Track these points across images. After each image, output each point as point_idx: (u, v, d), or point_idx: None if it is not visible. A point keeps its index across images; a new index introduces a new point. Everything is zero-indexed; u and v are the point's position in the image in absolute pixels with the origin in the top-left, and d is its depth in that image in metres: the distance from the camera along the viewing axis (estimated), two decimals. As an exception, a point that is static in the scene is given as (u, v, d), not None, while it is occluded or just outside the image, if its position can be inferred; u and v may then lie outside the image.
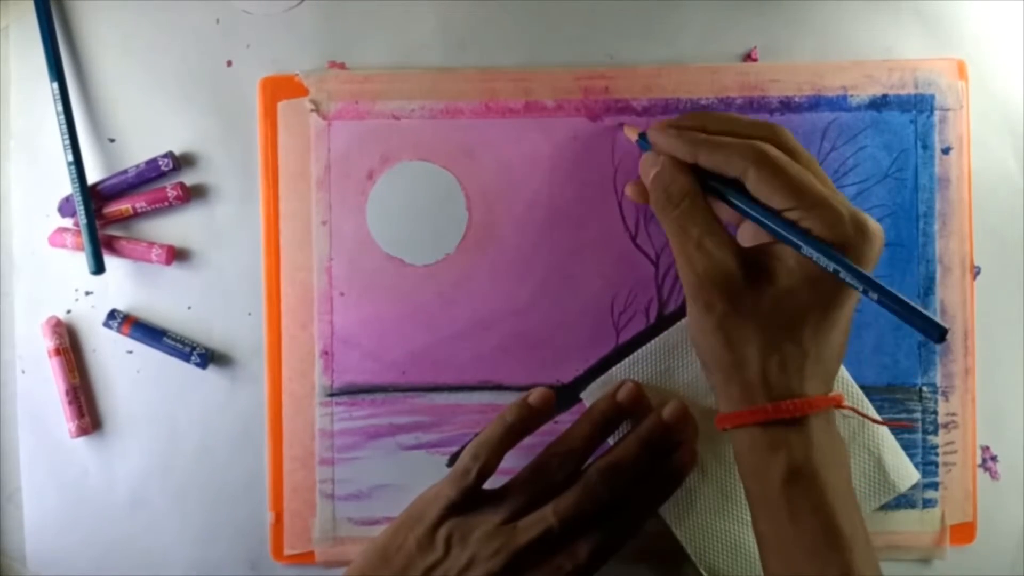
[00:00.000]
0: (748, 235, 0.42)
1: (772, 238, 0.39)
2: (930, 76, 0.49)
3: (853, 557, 0.37)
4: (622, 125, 0.48)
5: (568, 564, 0.42)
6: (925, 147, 0.49)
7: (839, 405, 0.39)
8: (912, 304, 0.37)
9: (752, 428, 0.39)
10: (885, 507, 0.48)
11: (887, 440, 0.47)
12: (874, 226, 0.38)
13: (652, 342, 0.47)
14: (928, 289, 0.49)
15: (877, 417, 0.46)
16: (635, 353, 0.47)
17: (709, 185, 0.41)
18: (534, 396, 0.45)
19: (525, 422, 0.44)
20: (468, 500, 0.43)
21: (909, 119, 0.49)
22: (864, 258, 0.38)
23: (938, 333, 0.36)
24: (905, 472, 0.47)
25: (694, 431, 0.45)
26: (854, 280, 0.37)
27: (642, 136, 0.44)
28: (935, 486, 0.49)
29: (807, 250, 0.37)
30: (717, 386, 0.40)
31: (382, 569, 0.43)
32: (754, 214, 0.39)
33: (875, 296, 0.37)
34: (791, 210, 0.38)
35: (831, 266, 0.37)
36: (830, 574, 0.37)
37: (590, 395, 0.47)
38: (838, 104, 0.49)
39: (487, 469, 0.43)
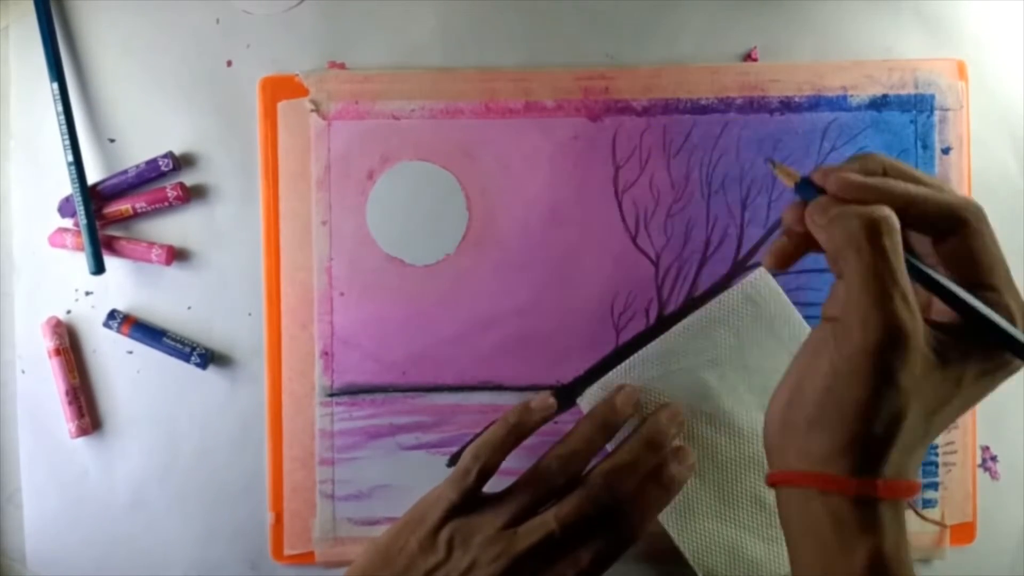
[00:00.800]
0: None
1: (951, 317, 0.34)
2: (930, 76, 0.49)
3: None
4: (769, 161, 0.40)
5: (570, 571, 0.42)
6: (925, 147, 0.49)
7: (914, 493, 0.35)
8: None
9: (838, 499, 0.33)
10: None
11: None
12: None
13: (650, 346, 0.47)
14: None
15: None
16: (632, 357, 0.47)
17: None
18: (537, 401, 0.45)
19: (526, 425, 0.44)
20: (469, 502, 0.43)
21: (909, 119, 0.49)
22: None
23: None
24: None
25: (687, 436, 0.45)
26: None
27: (804, 181, 0.36)
28: (935, 486, 0.49)
29: (1008, 332, 0.33)
30: (818, 441, 0.34)
31: (384, 570, 0.43)
32: (956, 290, 0.33)
33: None
34: (990, 290, 0.34)
35: None
36: None
37: (587, 401, 0.47)
38: (838, 104, 0.49)
39: (487, 470, 0.43)
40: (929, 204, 0.34)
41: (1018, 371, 0.35)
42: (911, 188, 0.34)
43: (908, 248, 0.34)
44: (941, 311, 0.35)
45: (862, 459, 0.33)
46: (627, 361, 0.47)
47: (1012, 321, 0.33)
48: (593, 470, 0.44)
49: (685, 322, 0.47)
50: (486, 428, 0.47)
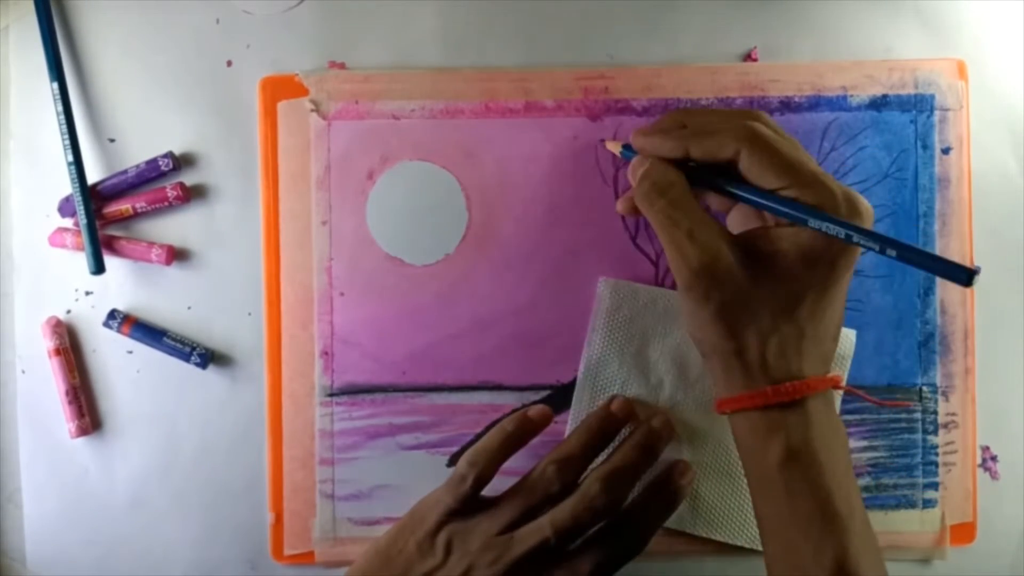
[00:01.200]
0: (737, 222, 0.42)
1: (761, 222, 0.40)
2: (930, 76, 0.49)
3: (850, 538, 0.37)
4: (603, 141, 0.48)
5: None
6: (925, 147, 0.49)
7: (837, 386, 0.39)
8: (933, 253, 0.36)
9: (751, 412, 0.39)
10: (885, 507, 0.48)
11: None
12: (865, 204, 0.38)
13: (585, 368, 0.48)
14: (928, 289, 0.49)
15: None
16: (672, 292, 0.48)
17: (697, 179, 0.40)
18: (535, 410, 0.45)
19: (524, 434, 0.45)
20: (466, 506, 0.43)
21: (909, 119, 0.49)
22: None
23: (966, 276, 0.35)
24: None
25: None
26: (871, 242, 0.36)
27: (626, 147, 0.44)
28: (935, 486, 0.49)
29: (815, 223, 0.37)
30: (716, 373, 0.40)
31: (383, 570, 0.43)
32: (753, 197, 0.39)
33: (894, 253, 0.36)
34: (786, 188, 0.38)
35: (843, 232, 0.36)
36: (826, 555, 0.37)
37: (608, 285, 0.48)
38: (838, 104, 0.49)
39: (484, 476, 0.43)
40: (704, 146, 0.39)
41: (852, 251, 0.38)
42: (685, 137, 0.40)
43: (726, 173, 0.39)
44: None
45: (744, 376, 0.39)
46: (664, 290, 0.48)
47: (821, 205, 0.37)
48: (589, 475, 0.44)
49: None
50: (485, 430, 0.47)
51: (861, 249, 0.37)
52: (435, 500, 0.44)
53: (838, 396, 0.47)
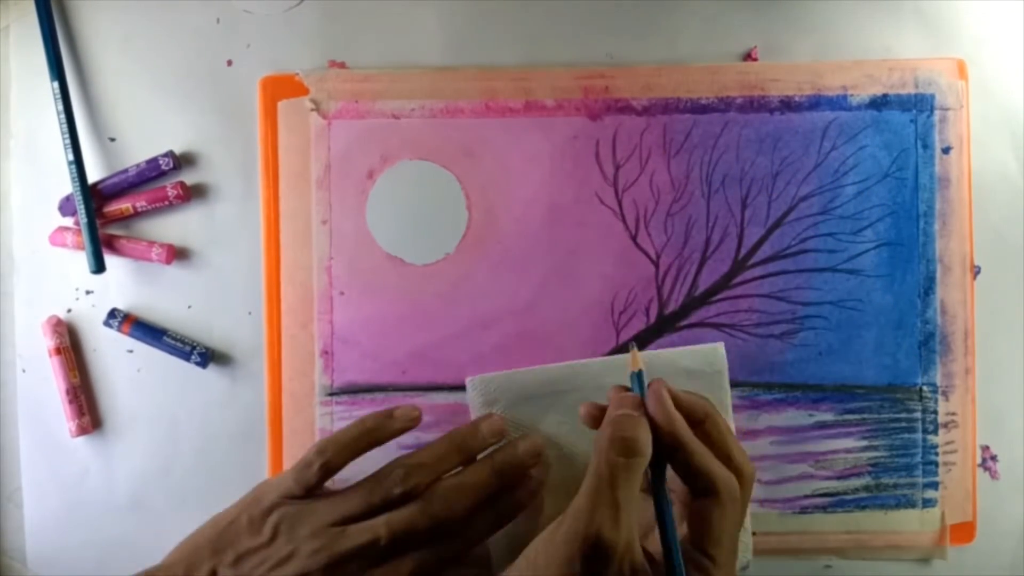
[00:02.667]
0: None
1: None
2: (930, 76, 0.49)
3: None
4: (632, 343, 0.45)
5: None
6: (925, 147, 0.49)
7: None
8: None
9: None
10: (885, 507, 0.48)
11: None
12: None
13: (561, 365, 0.46)
14: (928, 289, 0.49)
15: None
16: (550, 367, 0.46)
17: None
18: (401, 410, 0.44)
19: (384, 431, 0.44)
20: (308, 493, 0.43)
21: (909, 119, 0.49)
22: None
23: None
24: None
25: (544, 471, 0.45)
26: None
27: (639, 374, 0.40)
28: (935, 486, 0.49)
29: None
30: None
31: (213, 541, 0.42)
32: (666, 524, 0.37)
33: None
34: (707, 557, 0.37)
35: None
36: None
37: (475, 384, 0.46)
38: (838, 104, 0.49)
39: (330, 465, 0.42)
40: (694, 459, 0.37)
41: None
42: (689, 439, 0.37)
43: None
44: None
45: None
46: (542, 367, 0.46)
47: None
48: (436, 484, 0.42)
49: (613, 359, 0.46)
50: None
51: None
52: (278, 481, 0.43)
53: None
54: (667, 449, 0.37)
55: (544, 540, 0.38)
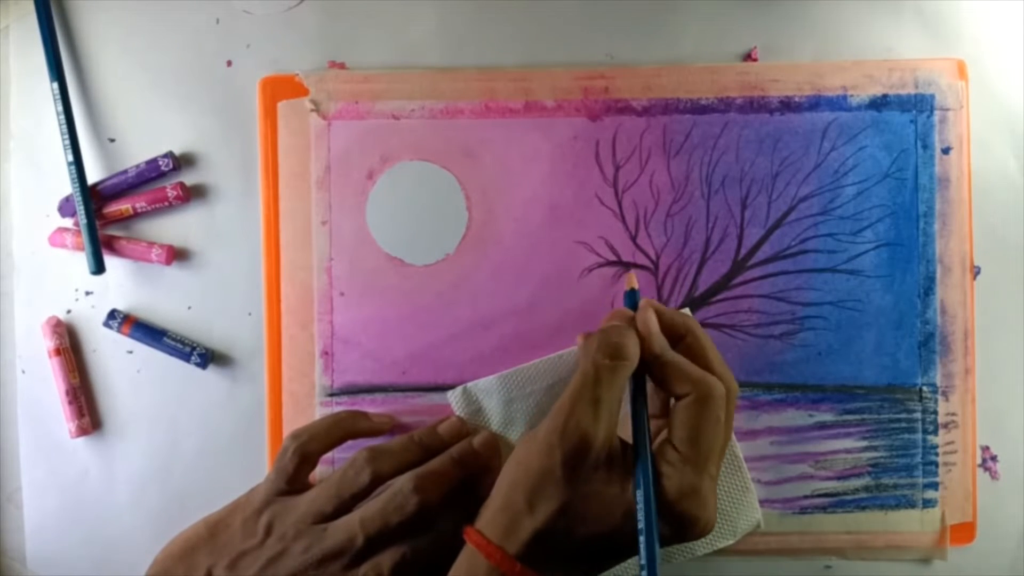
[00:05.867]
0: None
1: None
2: (930, 76, 0.49)
3: None
4: (630, 270, 0.47)
5: (371, 573, 0.42)
6: (925, 147, 0.49)
7: None
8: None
9: (481, 559, 0.38)
10: (885, 507, 0.48)
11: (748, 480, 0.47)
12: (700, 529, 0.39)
13: (537, 362, 0.46)
14: (928, 289, 0.49)
15: None
16: (518, 368, 0.46)
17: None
18: (378, 415, 0.47)
19: (356, 426, 0.46)
20: (290, 484, 0.44)
21: (909, 119, 0.49)
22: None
23: None
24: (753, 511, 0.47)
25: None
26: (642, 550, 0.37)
27: (632, 293, 0.43)
28: (935, 486, 0.49)
29: (640, 496, 0.37)
30: (492, 502, 0.40)
31: (208, 543, 0.44)
32: (639, 422, 0.39)
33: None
34: (676, 451, 0.38)
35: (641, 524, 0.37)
36: None
37: (454, 399, 0.47)
38: (838, 104, 0.49)
39: (305, 451, 0.44)
40: (673, 367, 0.39)
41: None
42: (669, 351, 0.40)
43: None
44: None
45: (511, 532, 0.38)
46: (510, 371, 0.46)
47: (665, 492, 0.38)
48: (404, 474, 0.43)
49: (569, 352, 0.46)
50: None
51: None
52: (265, 479, 0.45)
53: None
54: (648, 357, 0.40)
55: (528, 437, 0.40)
